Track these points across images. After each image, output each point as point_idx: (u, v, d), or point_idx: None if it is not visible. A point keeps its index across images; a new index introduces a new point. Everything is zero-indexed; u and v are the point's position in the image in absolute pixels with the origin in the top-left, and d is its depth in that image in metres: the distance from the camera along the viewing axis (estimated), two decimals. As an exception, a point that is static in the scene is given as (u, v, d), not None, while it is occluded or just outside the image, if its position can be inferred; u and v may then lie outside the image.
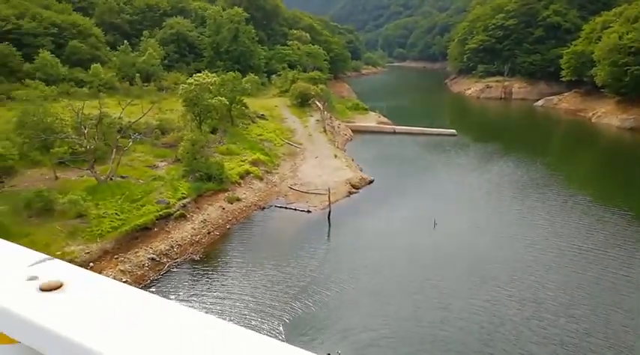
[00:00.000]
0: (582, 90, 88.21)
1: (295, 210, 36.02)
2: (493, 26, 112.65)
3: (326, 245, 32.50)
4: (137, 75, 66.59)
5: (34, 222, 26.01)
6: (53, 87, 53.43)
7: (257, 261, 28.15)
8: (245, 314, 22.66)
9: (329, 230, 34.05)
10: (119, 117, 36.55)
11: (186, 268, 27.09)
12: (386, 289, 25.70)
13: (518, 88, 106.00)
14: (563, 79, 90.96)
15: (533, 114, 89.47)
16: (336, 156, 47.73)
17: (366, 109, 74.81)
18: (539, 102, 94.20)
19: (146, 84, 67.61)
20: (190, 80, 41.10)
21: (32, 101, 31.28)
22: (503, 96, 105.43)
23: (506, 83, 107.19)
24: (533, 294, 24.55)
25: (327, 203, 36.34)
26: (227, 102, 43.41)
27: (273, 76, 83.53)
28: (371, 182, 43.02)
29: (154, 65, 70.53)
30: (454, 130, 64.87)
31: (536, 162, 50.42)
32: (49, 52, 60.15)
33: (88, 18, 75.52)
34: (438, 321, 22.48)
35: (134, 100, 40.17)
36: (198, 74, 42.42)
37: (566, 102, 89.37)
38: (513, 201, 39.09)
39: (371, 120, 70.30)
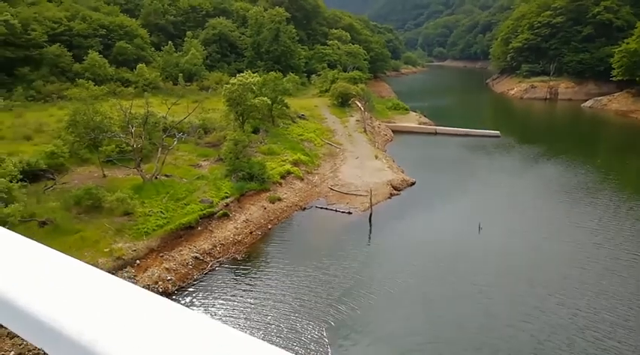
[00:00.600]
0: (634, 91, 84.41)
1: (336, 211, 35.73)
2: (539, 24, 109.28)
3: (367, 247, 32.11)
4: (180, 75, 67.86)
5: (83, 218, 26.66)
6: (103, 86, 55.01)
7: (299, 262, 28.03)
8: (288, 316, 22.54)
9: (370, 232, 33.61)
10: (163, 117, 37.23)
11: (229, 267, 27.21)
12: (429, 293, 25.13)
13: (564, 88, 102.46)
14: (613, 79, 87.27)
15: (581, 115, 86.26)
16: (376, 157, 47.19)
17: (406, 109, 73.85)
18: (588, 103, 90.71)
19: (189, 83, 68.82)
20: (234, 80, 41.38)
21: (83, 100, 32.04)
22: (548, 96, 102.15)
23: (551, 83, 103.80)
24: (587, 303, 23.46)
25: (368, 205, 35.93)
26: (269, 102, 43.55)
27: (313, 75, 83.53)
28: (413, 184, 42.30)
29: (196, 65, 71.73)
30: (498, 132, 63.18)
31: (586, 166, 48.48)
32: (97, 53, 62.00)
33: (134, 19, 77.42)
34: (486, 328, 21.77)
35: (178, 100, 40.83)
36: (241, 74, 42.67)
37: (616, 103, 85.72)
38: (563, 205, 37.64)
39: (411, 120, 69.32)
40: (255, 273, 26.88)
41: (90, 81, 55.30)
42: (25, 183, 27.04)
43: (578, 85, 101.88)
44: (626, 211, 36.14)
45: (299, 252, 29.83)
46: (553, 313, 22.64)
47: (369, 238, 33.23)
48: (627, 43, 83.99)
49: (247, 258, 28.48)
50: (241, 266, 27.47)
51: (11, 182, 24.94)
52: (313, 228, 34.26)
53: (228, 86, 41.23)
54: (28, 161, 29.99)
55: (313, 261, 28.43)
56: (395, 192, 40.07)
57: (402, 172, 44.80)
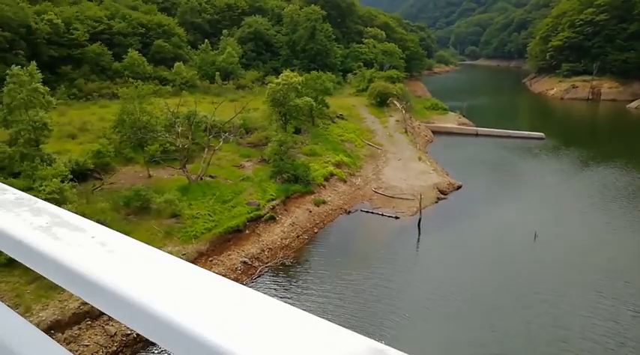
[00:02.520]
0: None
1: (382, 215, 34.66)
2: (581, 22, 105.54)
3: (417, 253, 31.04)
4: (217, 73, 67.68)
5: (132, 220, 26.31)
6: (145, 85, 55.03)
7: (348, 268, 27.12)
8: (342, 325, 21.62)
9: (418, 238, 32.47)
10: (205, 116, 36.73)
11: (278, 273, 26.49)
12: (488, 302, 23.94)
13: (608, 88, 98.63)
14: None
15: (627, 116, 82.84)
16: (420, 159, 45.89)
17: (445, 109, 72.09)
18: (633, 104, 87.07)
19: (225, 82, 68.58)
20: (277, 79, 40.65)
21: (131, 99, 31.77)
22: (590, 96, 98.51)
23: (594, 83, 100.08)
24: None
25: (416, 209, 34.79)
26: (313, 103, 42.73)
27: (349, 74, 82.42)
28: (459, 187, 40.91)
29: (232, 63, 71.45)
30: (542, 133, 60.96)
31: (641, 170, 46.14)
32: (136, 51, 62.23)
33: (171, 18, 77.70)
34: (559, 340, 20.46)
35: (222, 100, 40.41)
36: (285, 73, 41.90)
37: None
38: (624, 212, 35.72)
39: (451, 120, 67.56)
40: (305, 279, 26.07)
41: (130, 79, 55.35)
42: (75, 183, 26.82)
43: (622, 85, 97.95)
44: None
45: (347, 257, 28.93)
46: (632, 327, 21.15)
47: (418, 244, 32.11)
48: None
49: (296, 262, 27.71)
50: (290, 272, 26.71)
51: (62, 182, 24.71)
52: (360, 232, 33.31)
53: (272, 86, 40.51)
54: (77, 160, 29.86)
55: (363, 266, 27.50)
56: (442, 196, 38.76)
57: (447, 175, 43.40)
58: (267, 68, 78.23)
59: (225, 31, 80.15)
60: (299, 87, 40.60)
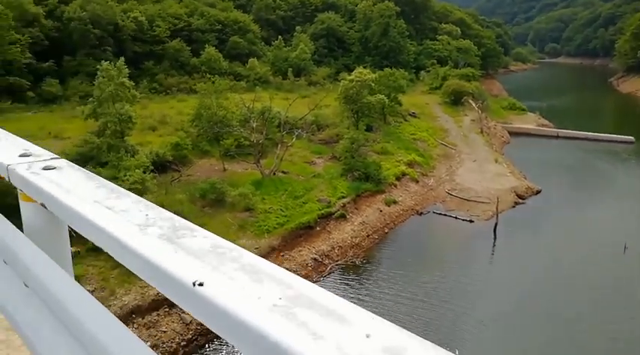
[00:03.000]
0: None
1: (456, 218, 33.47)
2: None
3: (492, 260, 29.71)
4: (289, 69, 68.32)
5: (207, 212, 26.97)
6: (222, 81, 56.57)
7: (420, 271, 26.39)
8: (413, 331, 21.00)
9: (494, 243, 31.06)
10: (278, 112, 37.05)
11: (347, 272, 26.23)
12: (569, 315, 22.47)
13: None
14: None
15: None
16: (496, 161, 43.95)
17: (523, 109, 68.75)
18: None
19: (297, 78, 69.09)
20: (350, 76, 40.30)
21: (209, 94, 32.61)
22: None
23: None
24: None
25: (492, 213, 33.31)
26: (386, 100, 42.03)
27: (422, 71, 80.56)
28: (538, 192, 38.77)
29: (304, 60, 71.83)
30: (632, 137, 56.57)
31: None
32: (213, 48, 64.05)
33: (246, 14, 79.34)
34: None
35: (287, 95, 40.68)
36: (360, 70, 41.48)
37: None
38: None
39: (529, 121, 64.30)
40: (375, 280, 25.62)
41: (208, 75, 57.02)
42: (155, 174, 27.88)
43: None
44: None
45: (419, 260, 28.20)
46: None
47: (493, 249, 30.73)
48: None
49: (366, 262, 27.32)
50: (360, 272, 26.36)
51: (144, 173, 25.72)
52: (432, 235, 32.41)
53: (345, 83, 40.20)
54: (157, 152, 31.02)
55: (436, 269, 26.70)
56: (519, 200, 36.92)
57: (525, 178, 41.27)
58: (338, 65, 78.02)
59: (298, 28, 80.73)
60: (372, 84, 40.01)
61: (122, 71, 29.75)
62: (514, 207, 36.02)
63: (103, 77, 28.47)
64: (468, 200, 36.20)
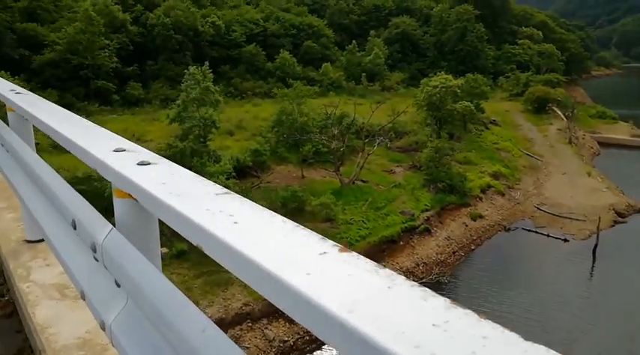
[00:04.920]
0: None
1: (548, 236, 30.95)
2: None
3: (591, 285, 27.06)
4: (363, 74, 67.16)
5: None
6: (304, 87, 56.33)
7: (512, 294, 24.38)
8: None
9: (593, 265, 28.35)
10: (355, 118, 35.98)
11: (434, 291, 24.62)
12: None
13: None
14: None
15: None
16: (589, 174, 40.64)
17: (614, 118, 63.76)
18: None
19: (371, 84, 67.83)
20: (434, 82, 38.55)
21: (289, 99, 32.09)
22: None
23: None
24: None
25: (589, 232, 30.62)
26: (473, 108, 39.88)
27: (500, 77, 76.84)
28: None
29: (378, 65, 70.43)
30: None
31: None
32: (287, 52, 64.10)
33: (320, 19, 79.08)
34: None
35: (359, 100, 39.46)
36: (444, 75, 39.66)
37: None
38: None
39: (621, 131, 59.47)
40: (464, 302, 23.80)
41: (289, 80, 56.89)
42: (237, 180, 27.59)
43: None
44: None
45: (510, 282, 26.14)
46: None
47: (592, 272, 28.05)
48: None
49: (453, 281, 25.63)
50: (447, 292, 24.65)
51: (227, 179, 25.44)
52: (521, 253, 30.14)
53: (428, 88, 38.48)
54: (237, 157, 30.82)
55: (528, 294, 24.55)
56: (619, 219, 33.73)
57: (623, 194, 37.75)
58: (412, 70, 76.00)
59: (372, 32, 79.38)
60: (458, 90, 38.05)
61: (207, 75, 29.80)
62: (613, 226, 32.91)
63: (190, 81, 28.58)
64: (559, 216, 33.49)
